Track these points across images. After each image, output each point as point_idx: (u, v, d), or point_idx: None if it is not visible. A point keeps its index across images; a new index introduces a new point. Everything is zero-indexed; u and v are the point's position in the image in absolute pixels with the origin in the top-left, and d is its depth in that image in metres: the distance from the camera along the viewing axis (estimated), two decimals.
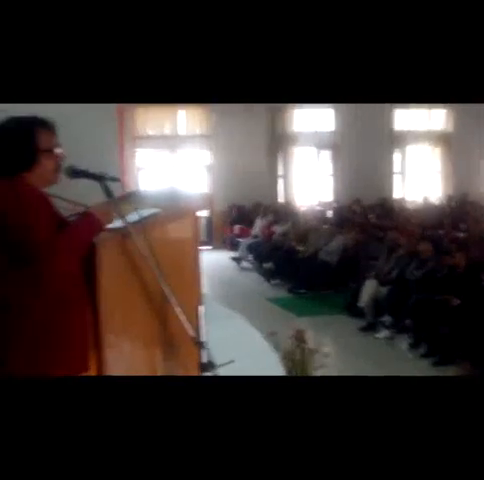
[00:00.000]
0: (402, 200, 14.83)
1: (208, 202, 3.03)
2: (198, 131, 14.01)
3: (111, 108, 12.03)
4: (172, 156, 13.94)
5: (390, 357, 6.80)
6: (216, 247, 13.17)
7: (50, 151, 2.48)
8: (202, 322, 2.50)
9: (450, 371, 6.20)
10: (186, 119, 13.95)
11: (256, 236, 12.21)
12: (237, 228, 13.29)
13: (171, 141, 13.84)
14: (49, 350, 2.38)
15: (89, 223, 2.48)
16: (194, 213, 2.86)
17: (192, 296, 2.72)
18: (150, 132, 13.73)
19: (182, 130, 13.98)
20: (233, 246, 12.77)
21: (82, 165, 2.59)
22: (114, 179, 2.61)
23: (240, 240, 12.32)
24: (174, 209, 2.81)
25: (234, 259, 11.89)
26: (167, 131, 13.82)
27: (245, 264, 11.71)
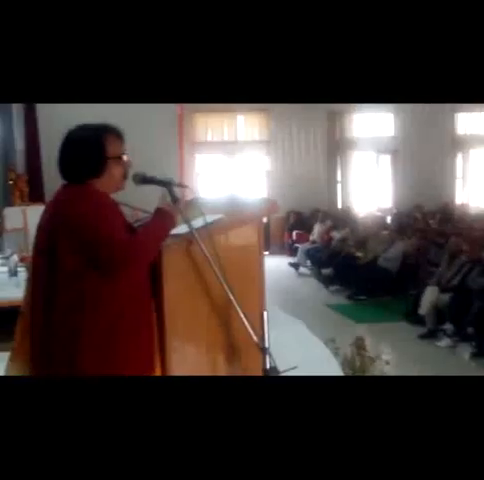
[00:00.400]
0: (465, 206, 14.49)
1: (274, 208, 3.01)
2: (257, 137, 14.06)
3: (172, 114, 12.24)
4: (231, 162, 14.03)
5: (452, 366, 6.64)
6: (274, 253, 13.16)
7: (118, 158, 2.55)
8: (266, 328, 2.51)
9: None
10: (245, 124, 14.02)
11: (314, 242, 12.15)
12: (295, 234, 13.27)
13: (230, 147, 13.93)
14: (118, 350, 2.44)
15: (162, 220, 2.53)
16: (260, 219, 2.88)
17: (255, 302, 2.75)
18: (209, 138, 13.86)
19: (241, 136, 14.05)
20: (291, 252, 12.74)
21: (142, 170, 2.65)
22: (181, 185, 2.67)
23: (298, 246, 12.27)
24: (239, 215, 2.84)
25: (292, 265, 11.86)
26: (226, 137, 13.92)
27: (303, 270, 11.67)
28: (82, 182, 2.50)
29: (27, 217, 8.18)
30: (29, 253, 7.81)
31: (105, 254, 2.35)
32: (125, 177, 2.59)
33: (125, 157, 2.58)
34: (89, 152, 2.50)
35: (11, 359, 2.68)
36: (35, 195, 9.41)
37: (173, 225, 2.56)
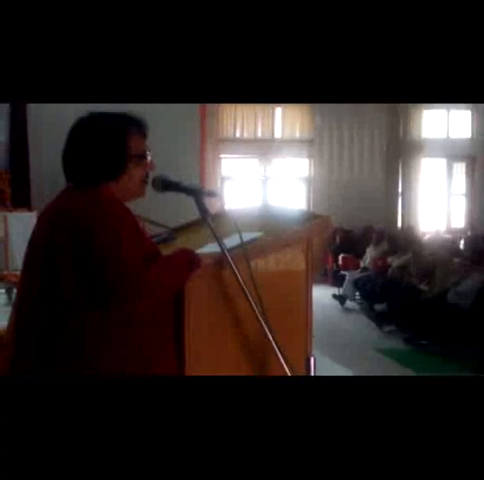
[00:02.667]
0: None
1: (329, 225, 3.00)
2: (298, 134, 14.14)
3: (192, 105, 12.31)
4: (265, 164, 14.11)
5: None
6: (313, 281, 13.10)
7: (141, 157, 2.55)
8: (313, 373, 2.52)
9: None
10: (284, 119, 14.12)
11: (366, 269, 12.12)
12: (341, 258, 13.23)
13: (264, 146, 14.02)
14: None
15: (188, 258, 2.53)
16: (308, 239, 2.87)
17: (300, 344, 2.74)
18: (238, 134, 13.97)
19: (278, 133, 14.15)
20: (335, 280, 12.71)
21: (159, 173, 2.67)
22: (211, 194, 2.68)
23: (345, 274, 12.25)
24: (282, 233, 2.83)
25: (337, 297, 11.86)
26: (260, 134, 14.01)
27: (351, 304, 11.69)
28: (92, 186, 2.47)
29: (8, 225, 8.23)
30: (10, 270, 7.85)
31: (110, 283, 2.31)
32: (145, 182, 2.60)
33: (149, 157, 2.59)
34: (109, 147, 2.49)
35: None
36: (19, 198, 9.38)
37: (198, 268, 2.55)
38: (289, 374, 2.51)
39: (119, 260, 2.33)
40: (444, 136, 14.58)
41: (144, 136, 2.60)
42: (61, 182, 2.62)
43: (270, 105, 13.71)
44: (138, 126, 2.58)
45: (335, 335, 9.54)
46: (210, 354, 2.66)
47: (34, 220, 2.59)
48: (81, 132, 2.54)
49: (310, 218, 3.16)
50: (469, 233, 13.88)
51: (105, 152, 2.49)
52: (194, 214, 2.73)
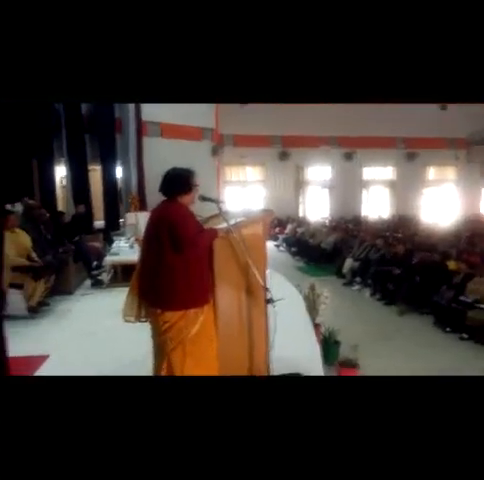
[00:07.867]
0: (366, 216, 14.31)
1: (272, 215, 3.00)
2: (258, 177, 13.90)
3: (213, 166, 12.15)
4: (244, 191, 13.88)
5: (360, 300, 6.66)
6: (266, 239, 12.91)
7: (195, 186, 2.48)
8: (268, 278, 2.50)
9: (393, 309, 6.03)
10: (252, 171, 13.78)
11: (287, 234, 12.07)
12: (278, 229, 13.15)
13: (243, 183, 13.77)
14: (193, 286, 2.39)
15: (214, 232, 2.48)
16: (264, 221, 2.83)
17: (262, 265, 2.69)
18: (233, 178, 13.70)
19: (249, 177, 13.86)
20: (276, 239, 12.63)
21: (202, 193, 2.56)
22: (223, 202, 2.63)
23: (279, 236, 12.19)
24: (253, 218, 2.79)
25: (276, 246, 11.78)
26: (241, 178, 13.77)
27: (282, 248, 11.54)
28: (175, 198, 2.41)
29: (138, 218, 8.20)
30: (139, 236, 7.78)
31: (184, 243, 2.29)
32: (196, 196, 2.52)
33: (198, 186, 2.52)
34: (186, 182, 2.43)
35: (129, 292, 2.63)
36: (142, 206, 9.33)
37: (217, 235, 2.48)
38: (258, 276, 2.46)
39: (188, 231, 2.30)
40: (319, 178, 14.41)
41: (195, 177, 2.52)
42: (161, 197, 2.52)
43: (245, 166, 13.48)
44: (193, 173, 2.51)
45: (275, 261, 9.32)
46: (225, 275, 2.60)
47: (148, 215, 2.53)
48: (171, 177, 2.45)
49: (265, 210, 3.13)
50: (330, 218, 13.78)
51: (183, 183, 2.44)
52: (214, 210, 2.62)
